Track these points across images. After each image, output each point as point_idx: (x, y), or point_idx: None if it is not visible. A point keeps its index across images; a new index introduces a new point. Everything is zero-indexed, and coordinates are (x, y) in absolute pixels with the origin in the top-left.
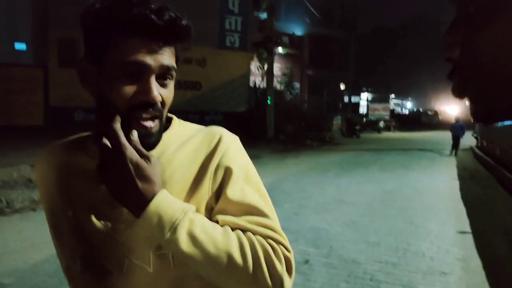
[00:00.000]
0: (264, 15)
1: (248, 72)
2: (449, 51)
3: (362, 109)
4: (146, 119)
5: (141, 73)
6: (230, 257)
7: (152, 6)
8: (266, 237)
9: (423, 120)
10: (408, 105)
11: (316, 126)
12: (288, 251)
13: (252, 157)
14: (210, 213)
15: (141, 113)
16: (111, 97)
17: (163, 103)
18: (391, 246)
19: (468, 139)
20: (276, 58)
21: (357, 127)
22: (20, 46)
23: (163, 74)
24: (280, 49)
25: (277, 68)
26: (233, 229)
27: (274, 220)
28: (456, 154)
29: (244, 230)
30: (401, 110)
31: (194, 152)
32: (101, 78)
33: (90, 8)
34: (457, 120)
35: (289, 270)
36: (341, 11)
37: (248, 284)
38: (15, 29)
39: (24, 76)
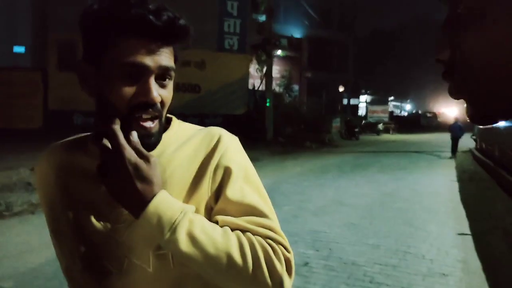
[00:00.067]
0: (262, 18)
1: (247, 75)
2: (440, 52)
3: (361, 111)
4: (146, 120)
5: (140, 74)
6: (229, 257)
7: (150, 6)
8: (265, 237)
9: (422, 122)
10: (407, 107)
11: (315, 128)
12: (288, 251)
13: (251, 159)
14: (210, 213)
15: (141, 113)
16: (111, 98)
17: (162, 103)
18: (391, 248)
19: (467, 141)
20: (275, 60)
21: (356, 129)
22: (18, 49)
23: (162, 75)
24: (279, 52)
25: (276, 70)
26: (232, 230)
27: (273, 221)
28: (455, 156)
29: (243, 231)
30: (400, 112)
31: (193, 152)
32: (100, 79)
33: (88, 9)
34: (456, 121)
35: (289, 271)
36: (340, 12)
37: (248, 284)
38: (14, 31)
39: (23, 80)
